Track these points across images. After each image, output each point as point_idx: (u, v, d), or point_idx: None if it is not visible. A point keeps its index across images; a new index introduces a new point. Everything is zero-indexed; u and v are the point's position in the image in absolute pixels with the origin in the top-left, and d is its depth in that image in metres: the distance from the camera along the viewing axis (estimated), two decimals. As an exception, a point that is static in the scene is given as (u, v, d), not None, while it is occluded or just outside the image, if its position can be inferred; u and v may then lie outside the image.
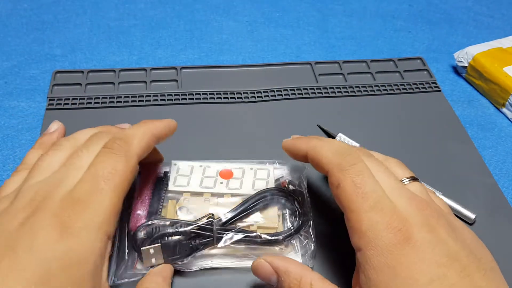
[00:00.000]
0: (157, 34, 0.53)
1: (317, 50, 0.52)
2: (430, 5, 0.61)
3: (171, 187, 0.32)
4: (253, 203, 0.31)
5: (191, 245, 0.29)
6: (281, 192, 0.32)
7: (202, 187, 0.32)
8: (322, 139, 0.30)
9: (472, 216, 0.35)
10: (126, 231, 0.30)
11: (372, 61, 0.50)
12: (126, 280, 0.29)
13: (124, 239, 0.30)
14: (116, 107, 0.42)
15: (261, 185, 0.33)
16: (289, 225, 0.31)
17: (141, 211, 0.30)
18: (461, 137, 0.42)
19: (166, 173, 0.33)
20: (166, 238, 0.28)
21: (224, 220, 0.30)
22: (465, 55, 0.49)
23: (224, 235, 0.29)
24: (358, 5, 0.60)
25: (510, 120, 0.45)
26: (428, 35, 0.56)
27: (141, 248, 0.28)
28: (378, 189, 0.26)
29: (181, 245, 0.28)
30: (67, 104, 0.42)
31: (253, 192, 0.32)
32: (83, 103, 0.42)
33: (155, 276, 0.28)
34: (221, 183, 0.33)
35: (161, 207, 0.31)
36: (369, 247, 0.24)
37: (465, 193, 0.37)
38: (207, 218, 0.30)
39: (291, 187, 0.32)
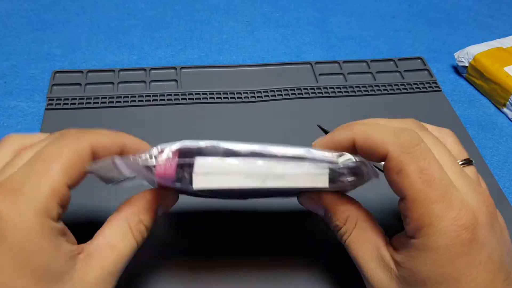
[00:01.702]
0: (157, 34, 0.52)
1: (317, 50, 0.52)
2: (430, 5, 0.60)
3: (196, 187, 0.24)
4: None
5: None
6: None
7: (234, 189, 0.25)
8: (364, 121, 0.26)
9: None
10: None
11: (372, 61, 0.50)
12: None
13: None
14: (116, 107, 0.42)
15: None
16: None
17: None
18: (461, 137, 0.42)
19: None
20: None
21: None
22: (465, 55, 0.49)
23: None
24: (358, 5, 0.60)
25: (510, 120, 0.45)
26: (428, 35, 0.55)
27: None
28: (445, 176, 0.23)
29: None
30: (67, 104, 0.42)
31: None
32: (82, 103, 0.42)
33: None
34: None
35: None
36: (427, 241, 0.22)
37: (465, 193, 0.37)
38: None
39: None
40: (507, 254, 0.23)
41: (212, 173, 0.24)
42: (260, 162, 0.24)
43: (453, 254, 0.22)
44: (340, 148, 0.25)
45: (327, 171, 0.24)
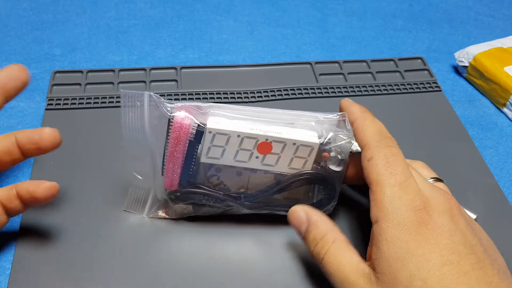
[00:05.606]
0: (156, 34, 0.52)
1: (317, 50, 0.52)
2: (430, 4, 0.60)
3: (203, 158, 0.31)
4: (282, 187, 0.32)
5: (218, 207, 0.33)
6: (314, 179, 0.32)
7: (236, 161, 0.31)
8: (372, 117, 0.31)
9: (473, 216, 0.34)
10: (163, 184, 0.32)
11: (372, 61, 0.49)
12: (157, 217, 0.34)
13: (159, 185, 0.32)
14: (116, 107, 0.42)
15: (298, 164, 0.31)
16: (315, 199, 0.33)
17: (174, 170, 0.31)
18: (461, 137, 0.42)
19: (199, 132, 0.30)
20: (198, 201, 0.32)
21: (253, 198, 0.32)
22: (465, 55, 0.49)
23: (250, 210, 0.32)
24: (358, 4, 0.59)
25: (510, 120, 0.45)
26: (428, 35, 0.55)
27: (175, 206, 0.33)
28: (407, 171, 0.27)
29: (211, 207, 0.33)
30: (67, 104, 0.42)
31: (287, 170, 0.31)
32: (82, 103, 0.42)
33: None
34: (257, 157, 0.31)
35: (191, 170, 0.31)
36: (386, 219, 0.25)
37: (465, 193, 0.37)
38: (237, 193, 0.32)
39: (331, 167, 0.31)
40: (480, 245, 0.25)
41: (223, 122, 0.29)
42: (262, 123, 0.30)
43: (413, 230, 0.24)
44: (349, 116, 0.31)
45: (315, 133, 0.30)
